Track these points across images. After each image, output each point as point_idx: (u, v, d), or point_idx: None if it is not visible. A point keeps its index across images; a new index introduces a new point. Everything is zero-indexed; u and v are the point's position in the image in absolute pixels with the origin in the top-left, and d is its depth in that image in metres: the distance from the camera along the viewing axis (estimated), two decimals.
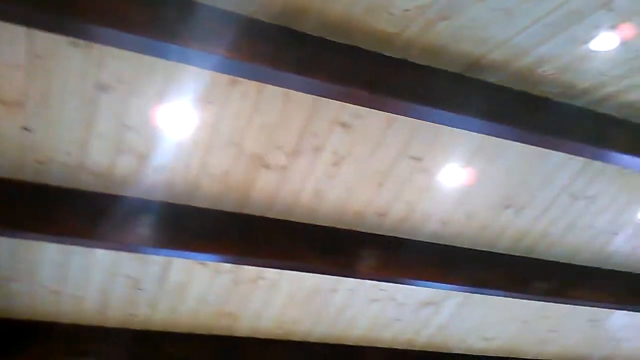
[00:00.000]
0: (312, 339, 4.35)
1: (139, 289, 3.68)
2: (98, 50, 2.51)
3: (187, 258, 3.33)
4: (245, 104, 2.81)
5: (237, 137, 2.95)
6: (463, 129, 2.85)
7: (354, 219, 3.53)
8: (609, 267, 4.38)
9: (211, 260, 3.40)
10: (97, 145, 2.87)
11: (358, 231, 3.61)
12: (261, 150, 3.04)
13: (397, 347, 4.63)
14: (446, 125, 2.84)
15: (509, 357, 5.06)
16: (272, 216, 3.37)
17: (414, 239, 3.73)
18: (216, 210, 3.27)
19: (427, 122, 2.95)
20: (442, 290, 4.06)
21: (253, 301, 3.96)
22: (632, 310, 4.47)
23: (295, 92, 2.75)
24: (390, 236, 3.69)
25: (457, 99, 2.75)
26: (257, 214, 3.34)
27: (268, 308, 4.03)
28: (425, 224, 3.67)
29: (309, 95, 2.73)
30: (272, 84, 2.52)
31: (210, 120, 2.84)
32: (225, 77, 2.64)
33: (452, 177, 3.42)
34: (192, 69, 2.53)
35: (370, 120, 3.04)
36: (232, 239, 3.30)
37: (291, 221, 3.43)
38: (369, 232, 3.63)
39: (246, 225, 3.33)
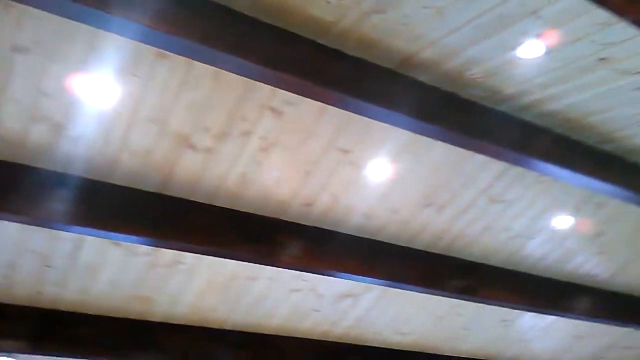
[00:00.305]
0: (228, 327, 4.28)
1: (48, 267, 3.50)
2: (16, 9, 2.34)
3: (102, 237, 3.19)
4: (172, 80, 2.71)
5: (161, 114, 2.85)
6: (393, 125, 2.88)
7: (280, 208, 3.50)
8: (522, 270, 4.57)
9: (128, 241, 3.27)
10: (10, 111, 2.69)
11: (283, 220, 3.58)
12: (187, 130, 2.95)
13: (314, 338, 4.64)
14: (376, 120, 2.85)
15: (422, 352, 5.19)
16: (194, 199, 3.29)
17: (338, 230, 3.75)
18: (136, 189, 3.14)
19: (358, 115, 2.96)
20: (362, 283, 4.10)
21: (169, 286, 3.85)
22: (541, 313, 4.67)
23: (226, 72, 2.69)
24: (314, 227, 3.68)
25: (389, 95, 2.77)
26: (179, 195, 3.25)
27: (185, 293, 3.94)
28: (349, 216, 3.68)
29: (240, 77, 2.67)
30: (201, 62, 2.44)
31: (134, 94, 2.72)
32: (152, 50, 2.54)
33: (378, 171, 3.45)
34: (117, 38, 2.41)
35: (302, 108, 3.01)
36: (151, 220, 3.19)
37: (214, 205, 3.36)
38: (294, 221, 3.61)
39: (167, 207, 3.23)
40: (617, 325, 5.06)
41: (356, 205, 3.63)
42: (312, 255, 3.65)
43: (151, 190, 3.17)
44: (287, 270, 3.85)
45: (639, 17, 1.88)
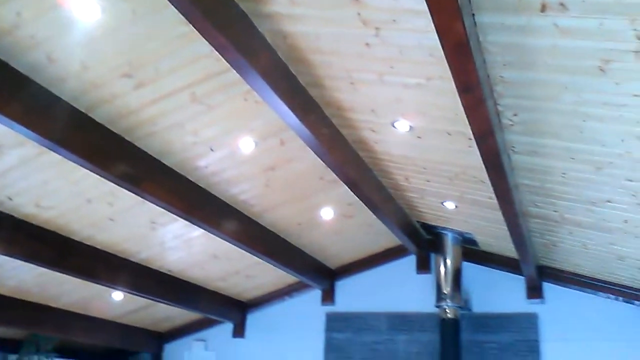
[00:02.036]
0: None
1: None
2: None
3: None
4: None
5: None
6: None
7: None
8: (191, 178, 4.48)
9: None
10: None
11: None
12: None
13: None
14: None
15: (55, 232, 4.68)
16: None
17: (6, 61, 3.01)
18: None
19: None
20: (16, 135, 3.38)
21: None
22: (193, 224, 4.67)
23: None
24: None
25: None
26: None
27: None
28: (27, 50, 2.97)
29: None
30: None
31: None
32: None
33: (84, 10, 2.83)
34: None
35: None
36: None
37: None
38: None
39: None
40: (252, 253, 5.44)
41: (40, 40, 2.95)
42: None
43: None
44: None
45: None
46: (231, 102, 3.78)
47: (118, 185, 3.91)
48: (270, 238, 5.69)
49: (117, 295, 6.11)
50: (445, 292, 6.13)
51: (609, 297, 5.87)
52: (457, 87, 2.70)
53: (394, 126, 3.99)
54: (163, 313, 7.01)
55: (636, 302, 5.74)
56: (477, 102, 2.78)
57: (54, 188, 4.17)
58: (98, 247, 5.13)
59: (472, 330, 6.25)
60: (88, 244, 5.03)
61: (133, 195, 4.28)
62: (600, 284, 5.86)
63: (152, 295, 5.87)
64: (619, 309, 5.81)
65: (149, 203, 4.40)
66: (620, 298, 5.81)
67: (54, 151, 3.40)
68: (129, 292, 5.73)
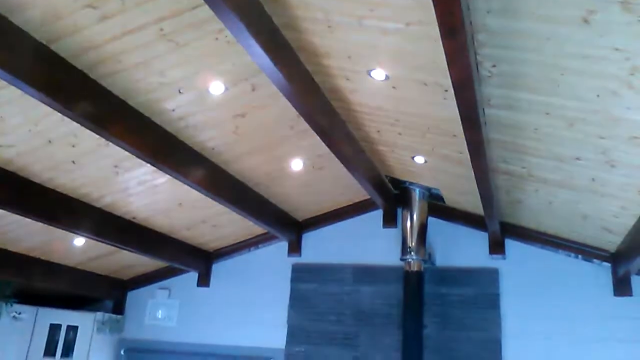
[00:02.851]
0: None
1: None
2: None
3: None
4: None
5: None
6: None
7: None
8: (157, 121, 4.32)
9: None
10: None
11: None
12: None
13: None
14: None
15: (15, 173, 4.50)
16: None
17: None
18: None
19: None
20: None
21: None
22: (159, 169, 4.53)
23: None
24: None
25: None
26: None
27: None
28: None
29: None
30: None
31: None
32: None
33: None
34: None
35: None
36: None
37: None
38: None
39: None
40: (219, 202, 5.34)
41: None
42: None
43: None
44: None
45: None
46: (201, 41, 3.61)
47: (81, 125, 3.73)
48: (238, 187, 5.60)
49: (79, 241, 5.97)
50: (410, 245, 6.18)
51: (569, 255, 6.01)
52: (440, 29, 2.60)
53: (370, 75, 3.90)
54: (126, 260, 6.91)
55: (595, 260, 5.90)
56: (460, 47, 2.69)
57: (14, 125, 3.97)
58: (59, 190, 4.96)
59: (435, 283, 6.36)
60: (49, 186, 4.86)
61: (96, 137, 4.13)
62: (562, 241, 5.98)
63: (115, 242, 5.75)
64: (577, 266, 5.96)
65: (113, 146, 4.25)
66: (580, 256, 5.96)
67: (14, 85, 3.20)
68: (91, 238, 5.59)
